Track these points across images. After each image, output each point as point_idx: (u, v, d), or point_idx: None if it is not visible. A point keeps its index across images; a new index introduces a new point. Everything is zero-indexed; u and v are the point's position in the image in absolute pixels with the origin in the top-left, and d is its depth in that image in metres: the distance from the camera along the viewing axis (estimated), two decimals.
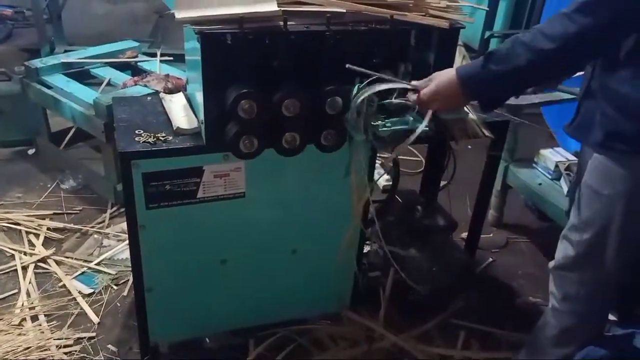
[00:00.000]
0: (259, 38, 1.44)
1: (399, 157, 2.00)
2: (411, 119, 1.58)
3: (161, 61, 2.96)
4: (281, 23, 1.44)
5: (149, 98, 1.88)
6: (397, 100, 1.55)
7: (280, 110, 1.48)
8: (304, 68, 1.52)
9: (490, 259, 2.46)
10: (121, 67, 2.94)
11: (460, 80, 1.45)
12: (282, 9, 1.44)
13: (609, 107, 1.35)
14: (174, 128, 1.62)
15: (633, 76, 1.30)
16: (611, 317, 1.84)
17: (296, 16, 1.49)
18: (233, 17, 1.41)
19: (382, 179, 2.66)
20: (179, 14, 1.41)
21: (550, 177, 2.43)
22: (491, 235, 2.60)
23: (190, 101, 1.77)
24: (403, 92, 1.56)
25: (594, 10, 1.23)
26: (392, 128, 1.56)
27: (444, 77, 1.49)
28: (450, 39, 1.61)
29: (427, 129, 1.50)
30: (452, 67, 1.66)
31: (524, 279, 2.35)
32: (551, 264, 1.59)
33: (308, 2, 1.50)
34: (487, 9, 3.60)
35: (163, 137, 1.58)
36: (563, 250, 1.53)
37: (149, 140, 1.56)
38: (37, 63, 2.78)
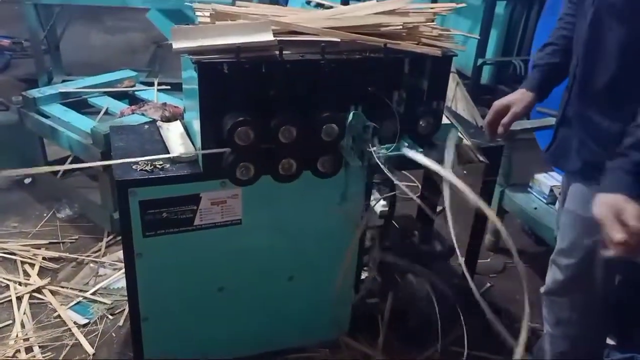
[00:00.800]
0: (256, 67, 1.47)
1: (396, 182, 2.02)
2: (406, 144, 1.60)
3: (159, 90, 2.98)
4: (277, 52, 1.47)
5: (146, 126, 1.89)
6: None
7: (277, 138, 1.50)
8: (300, 96, 1.54)
9: (489, 284, 2.45)
10: (119, 96, 2.96)
11: None
12: (278, 38, 1.47)
13: (587, 138, 1.35)
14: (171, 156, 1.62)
15: (613, 109, 1.29)
16: (610, 341, 1.82)
17: (291, 45, 1.52)
18: (230, 47, 1.43)
19: (379, 205, 2.66)
20: (177, 45, 1.43)
21: (545, 201, 2.45)
22: (489, 260, 2.59)
23: (187, 129, 1.78)
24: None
25: None
26: (387, 154, 1.57)
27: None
28: (443, 67, 1.64)
29: None
30: (445, 93, 1.69)
31: (522, 304, 2.33)
32: (542, 289, 1.59)
33: (303, 32, 1.53)
34: (479, 37, 3.68)
35: (160, 165, 1.59)
36: (552, 275, 1.53)
37: (146, 168, 1.57)
38: (34, 93, 2.80)
